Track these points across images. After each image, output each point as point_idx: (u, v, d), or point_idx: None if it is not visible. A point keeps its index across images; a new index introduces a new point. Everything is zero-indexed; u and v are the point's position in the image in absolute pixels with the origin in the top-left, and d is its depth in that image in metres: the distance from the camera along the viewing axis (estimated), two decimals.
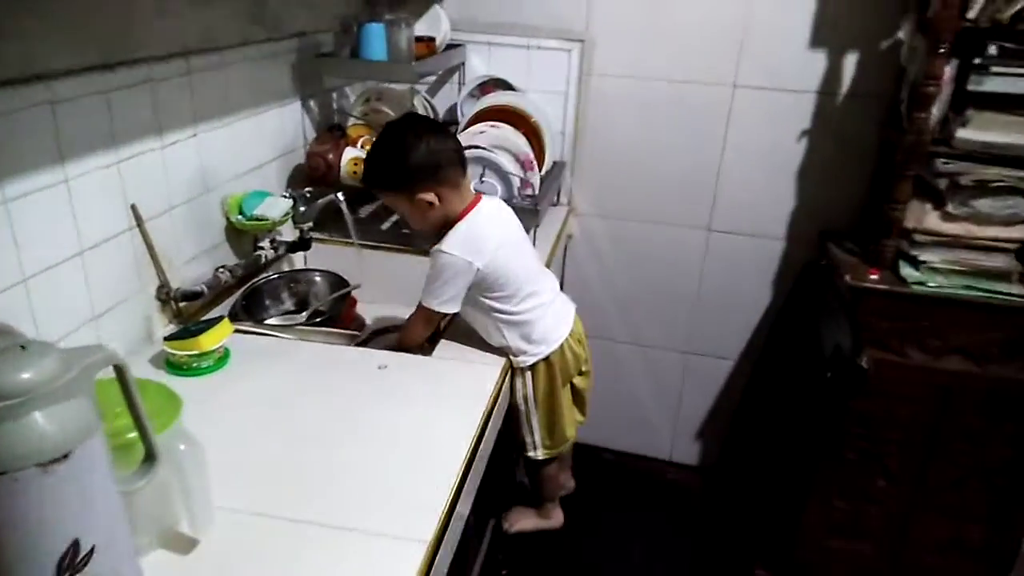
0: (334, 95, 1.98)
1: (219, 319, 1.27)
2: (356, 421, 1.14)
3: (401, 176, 1.31)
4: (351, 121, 1.90)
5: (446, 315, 1.37)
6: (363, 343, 1.54)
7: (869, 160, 1.95)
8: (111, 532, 0.69)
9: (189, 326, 1.26)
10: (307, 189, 1.65)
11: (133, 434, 0.77)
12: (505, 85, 2.08)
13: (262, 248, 1.59)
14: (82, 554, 0.65)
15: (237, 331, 1.33)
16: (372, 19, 1.73)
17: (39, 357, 0.63)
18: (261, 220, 1.51)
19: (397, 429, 1.13)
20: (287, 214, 1.56)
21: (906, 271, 1.71)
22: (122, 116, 1.19)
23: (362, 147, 1.75)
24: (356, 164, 1.70)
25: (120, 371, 0.71)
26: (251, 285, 1.57)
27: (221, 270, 1.46)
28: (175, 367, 1.24)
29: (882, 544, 1.92)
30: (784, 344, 2.05)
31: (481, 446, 1.15)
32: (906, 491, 1.85)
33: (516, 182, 1.76)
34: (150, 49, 1.25)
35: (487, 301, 1.35)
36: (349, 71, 1.90)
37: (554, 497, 1.73)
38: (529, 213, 1.72)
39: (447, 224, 1.33)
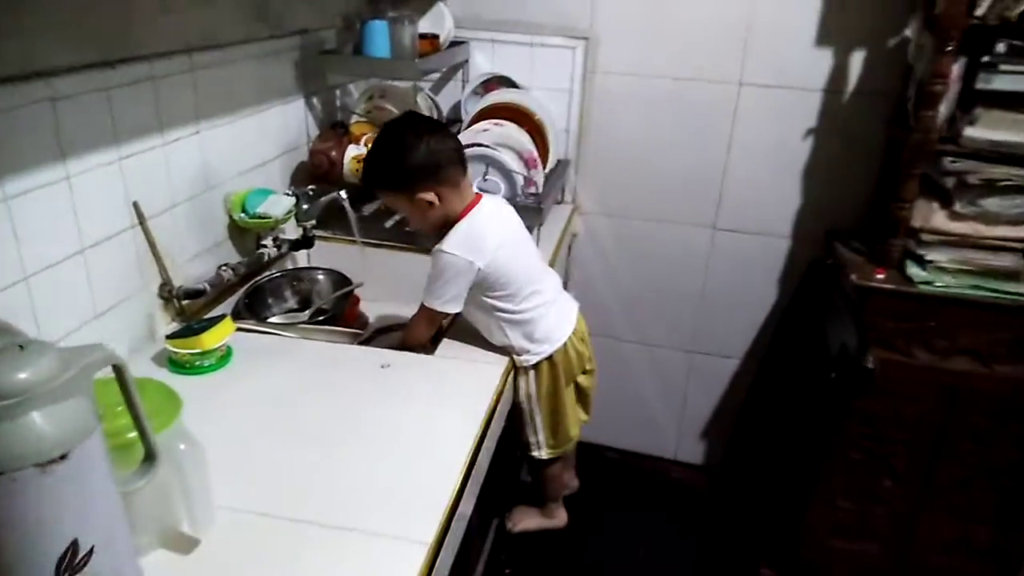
0: (338, 92, 1.97)
1: (221, 317, 1.27)
2: (358, 420, 1.14)
3: (401, 176, 1.30)
4: (354, 118, 1.90)
5: (448, 315, 1.37)
6: (366, 341, 1.53)
7: (876, 159, 1.94)
8: (111, 532, 0.69)
9: (191, 324, 1.26)
10: (310, 187, 1.64)
11: (133, 434, 0.76)
12: (509, 83, 2.07)
13: (265, 246, 1.59)
14: (81, 554, 0.65)
15: (239, 329, 1.32)
16: (375, 16, 1.73)
17: (37, 357, 0.62)
18: (264, 218, 1.51)
19: (399, 428, 1.12)
20: (290, 212, 1.55)
21: (913, 270, 1.70)
22: (124, 113, 1.18)
23: (365, 145, 1.74)
24: (359, 162, 1.69)
25: (119, 370, 0.71)
26: (254, 283, 1.57)
27: (224, 268, 1.45)
28: (177, 365, 1.23)
29: (888, 544, 1.91)
30: (789, 343, 2.04)
31: (484, 446, 1.15)
32: (912, 491, 1.84)
33: (520, 180, 1.75)
34: (152, 46, 1.24)
35: (489, 300, 1.35)
36: (352, 68, 1.89)
37: (558, 497, 1.72)
38: (533, 211, 1.72)
39: (448, 224, 1.33)
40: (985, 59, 1.55)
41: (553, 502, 1.72)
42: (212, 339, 1.22)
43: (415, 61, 1.75)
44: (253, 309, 1.52)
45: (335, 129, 1.80)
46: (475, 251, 1.29)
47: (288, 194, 1.57)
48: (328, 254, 1.75)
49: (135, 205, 1.25)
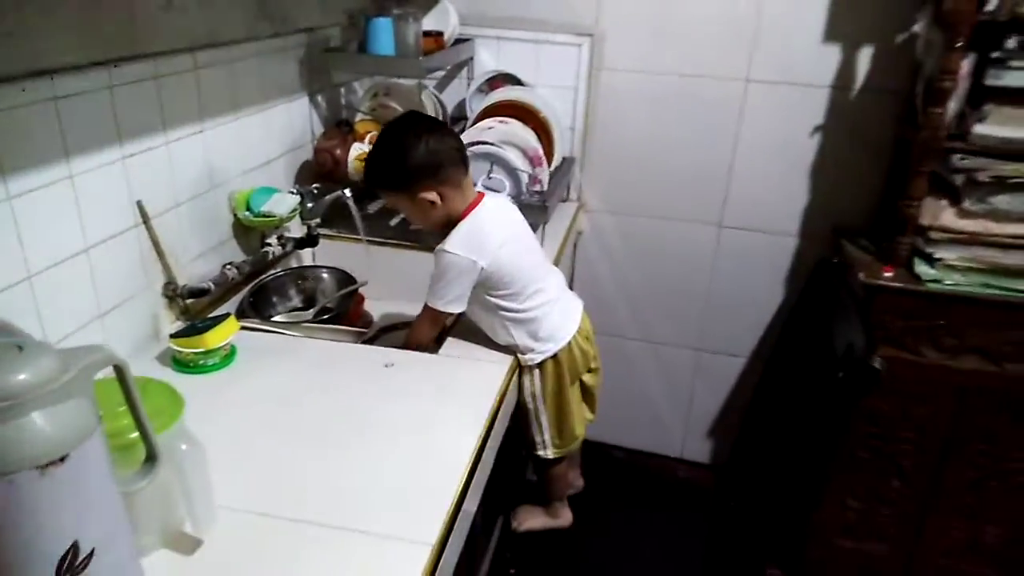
0: (342, 90, 1.97)
1: (225, 316, 1.26)
2: (362, 419, 1.13)
3: (401, 176, 1.30)
4: (359, 116, 1.89)
5: (452, 315, 1.36)
6: (370, 340, 1.53)
7: (884, 156, 1.92)
8: (111, 533, 0.68)
9: (196, 323, 1.26)
10: (315, 185, 1.64)
11: (135, 434, 0.76)
12: (514, 80, 2.06)
13: (269, 245, 1.59)
14: (82, 556, 0.64)
15: (243, 328, 1.32)
16: (380, 13, 1.72)
17: (36, 358, 0.62)
18: (268, 216, 1.51)
19: (403, 428, 1.12)
20: (294, 210, 1.55)
21: (921, 269, 1.68)
22: (127, 112, 1.18)
23: (369, 143, 1.74)
24: (363, 160, 1.69)
25: (120, 371, 0.71)
26: (258, 282, 1.57)
27: (228, 267, 1.45)
28: (181, 364, 1.23)
29: (896, 545, 1.90)
30: (796, 342, 2.03)
31: (488, 445, 1.14)
32: (921, 492, 1.83)
33: (525, 178, 1.74)
34: (155, 45, 1.24)
35: (493, 299, 1.34)
36: (357, 66, 1.89)
37: (563, 496, 1.71)
38: (538, 209, 1.71)
39: (451, 223, 1.32)
40: (995, 55, 1.54)
41: (558, 501, 1.71)
42: (216, 338, 1.21)
43: (420, 59, 1.74)
44: (257, 308, 1.52)
45: (340, 127, 1.80)
46: (478, 250, 1.28)
47: (292, 192, 1.57)
48: (333, 252, 1.74)
49: (139, 204, 1.24)
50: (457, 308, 1.33)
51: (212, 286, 1.38)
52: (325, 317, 1.56)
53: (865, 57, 1.87)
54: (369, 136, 1.77)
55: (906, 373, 1.69)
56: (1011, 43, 1.51)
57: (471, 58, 2.11)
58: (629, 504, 2.33)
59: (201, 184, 1.41)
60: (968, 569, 1.88)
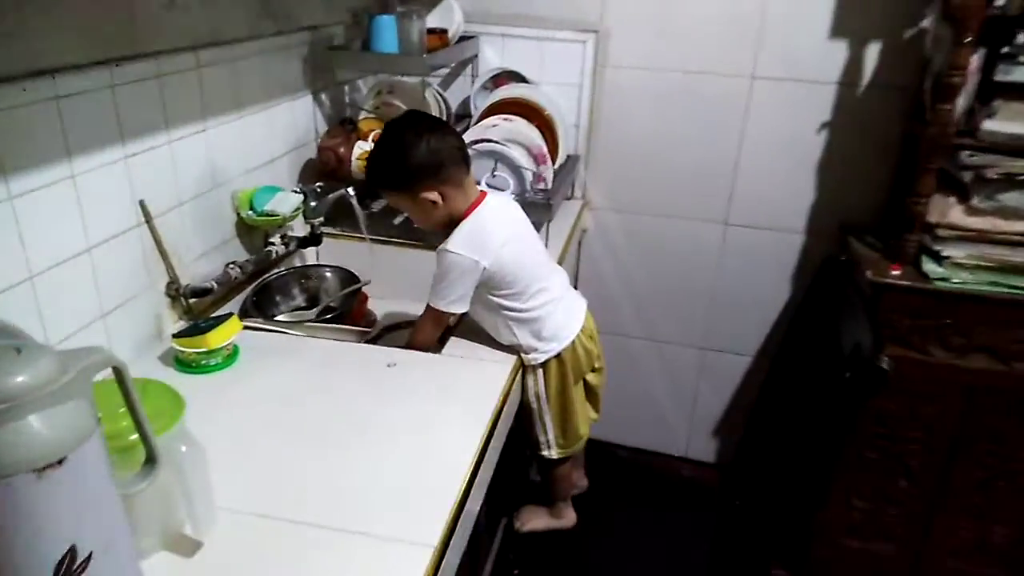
0: (346, 88, 1.96)
1: (228, 316, 1.26)
2: (364, 420, 1.13)
3: (402, 176, 1.29)
4: (363, 115, 1.89)
5: (455, 315, 1.35)
6: (374, 340, 1.52)
7: (891, 152, 1.90)
8: (110, 537, 0.68)
9: (198, 323, 1.25)
10: (318, 184, 1.63)
11: (134, 436, 0.76)
12: (518, 77, 2.05)
13: (273, 244, 1.58)
14: (79, 560, 0.64)
15: (246, 328, 1.32)
16: (384, 11, 1.71)
17: (34, 360, 0.62)
18: (272, 216, 1.50)
19: (405, 428, 1.11)
20: (298, 209, 1.55)
21: (929, 267, 1.67)
22: (129, 111, 1.18)
23: (373, 141, 1.73)
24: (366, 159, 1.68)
25: (119, 372, 0.70)
26: (262, 281, 1.57)
27: (231, 266, 1.45)
28: (184, 365, 1.23)
29: (903, 545, 1.89)
30: (802, 341, 2.01)
31: (491, 445, 1.14)
32: (928, 492, 1.81)
33: (529, 176, 1.74)
34: (157, 43, 1.23)
35: (496, 299, 1.33)
36: (360, 64, 1.88)
37: (567, 496, 1.71)
38: (542, 208, 1.70)
39: (453, 222, 1.32)
40: (1005, 50, 1.52)
41: (562, 502, 1.70)
42: (218, 338, 1.21)
43: (424, 56, 1.73)
44: (261, 307, 1.51)
45: (343, 125, 1.79)
46: (480, 250, 1.28)
47: (296, 191, 1.56)
48: (336, 251, 1.74)
49: (141, 203, 1.24)
50: (460, 308, 1.32)
51: (215, 285, 1.38)
52: (328, 316, 1.55)
53: (872, 53, 1.85)
54: (373, 134, 1.76)
55: (914, 372, 1.68)
56: (1021, 38, 1.50)
57: (475, 55, 2.10)
58: (633, 503, 2.32)
59: (204, 183, 1.41)
60: (976, 570, 1.87)
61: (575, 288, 1.60)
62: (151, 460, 0.75)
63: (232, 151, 1.48)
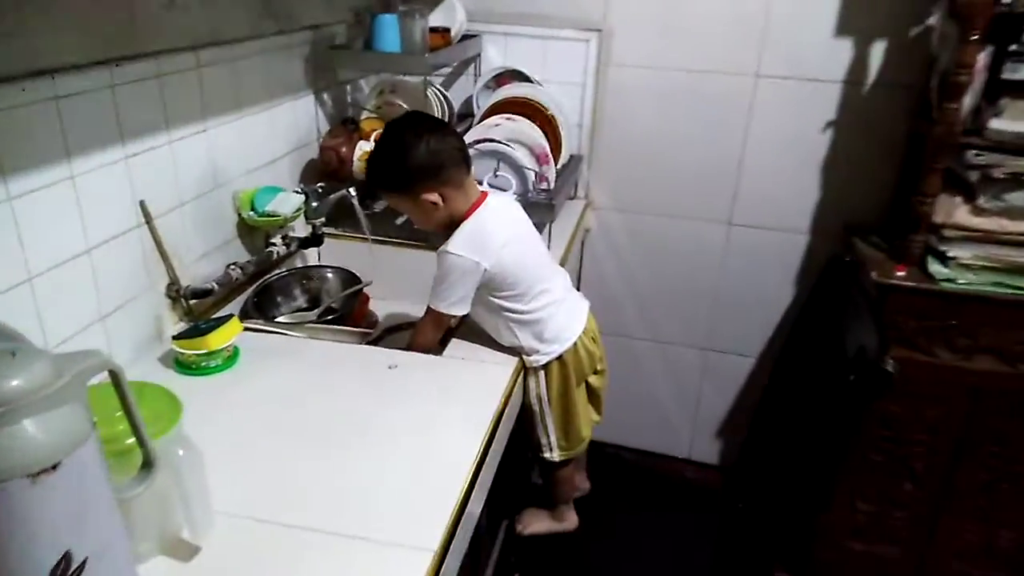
0: (348, 88, 1.95)
1: (228, 318, 1.26)
2: (364, 422, 1.12)
3: (402, 177, 1.28)
4: (365, 114, 1.88)
5: (456, 317, 1.35)
6: (375, 341, 1.52)
7: (897, 152, 1.89)
8: (105, 542, 0.67)
9: (198, 324, 1.25)
10: (319, 184, 1.62)
11: (131, 440, 0.75)
12: (521, 76, 2.04)
13: (274, 244, 1.58)
14: (74, 566, 0.63)
15: (247, 329, 1.31)
16: (386, 10, 1.70)
17: (29, 363, 0.61)
18: (273, 216, 1.50)
19: (406, 430, 1.10)
20: (299, 210, 1.54)
21: (934, 267, 1.65)
22: (129, 111, 1.17)
23: (375, 141, 1.72)
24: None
25: (115, 376, 0.70)
26: (263, 282, 1.56)
27: (232, 267, 1.44)
28: (184, 366, 1.22)
29: (908, 548, 1.87)
30: (807, 342, 2.00)
31: (492, 448, 1.13)
32: (933, 494, 1.80)
33: (531, 176, 1.73)
34: (157, 43, 1.23)
35: (497, 300, 1.32)
36: (362, 63, 1.87)
37: (568, 499, 1.70)
38: (545, 208, 1.69)
39: (454, 223, 1.31)
40: (1012, 48, 1.51)
41: (564, 505, 1.69)
42: (218, 340, 1.21)
43: (426, 56, 1.72)
44: (262, 308, 1.51)
45: (345, 125, 1.79)
46: (480, 251, 1.27)
47: (297, 192, 1.56)
48: (338, 252, 1.73)
49: (141, 204, 1.24)
50: (461, 310, 1.31)
51: (216, 286, 1.37)
52: (330, 317, 1.54)
53: (878, 51, 1.84)
54: (375, 134, 1.75)
55: (919, 374, 1.66)
56: None
57: (478, 54, 2.09)
58: (636, 505, 2.31)
59: (205, 184, 1.40)
60: (981, 573, 1.85)
61: (578, 289, 1.59)
62: (148, 464, 0.75)
63: (233, 151, 1.47)
